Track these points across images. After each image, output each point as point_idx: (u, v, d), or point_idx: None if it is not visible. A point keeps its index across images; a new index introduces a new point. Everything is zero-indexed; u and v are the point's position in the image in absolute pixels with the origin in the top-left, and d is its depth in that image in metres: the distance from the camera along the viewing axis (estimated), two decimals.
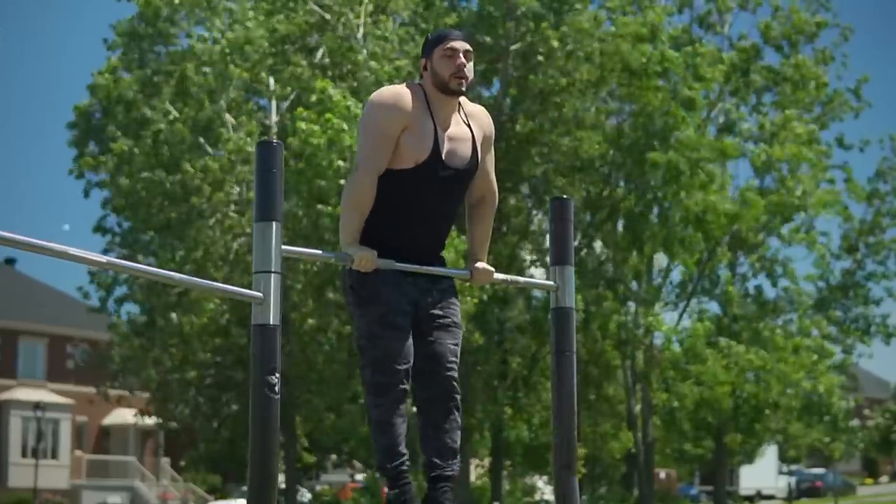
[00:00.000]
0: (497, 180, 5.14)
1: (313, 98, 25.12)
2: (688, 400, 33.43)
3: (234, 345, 31.64)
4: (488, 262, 5.11)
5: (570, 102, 29.49)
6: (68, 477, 47.29)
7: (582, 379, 27.82)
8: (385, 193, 4.76)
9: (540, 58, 29.13)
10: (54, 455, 47.12)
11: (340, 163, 23.79)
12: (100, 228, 33.11)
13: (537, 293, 29.05)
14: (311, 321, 28.46)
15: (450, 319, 4.90)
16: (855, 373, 45.66)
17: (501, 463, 34.91)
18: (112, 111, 31.21)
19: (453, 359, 4.89)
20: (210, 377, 33.96)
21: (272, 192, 4.45)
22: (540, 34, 28.91)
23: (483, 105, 4.93)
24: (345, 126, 23.47)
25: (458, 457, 4.92)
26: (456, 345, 4.91)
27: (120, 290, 33.32)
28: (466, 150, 4.86)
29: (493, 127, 5.06)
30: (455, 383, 4.89)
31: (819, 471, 64.17)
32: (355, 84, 26.97)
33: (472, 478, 38.50)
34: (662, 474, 55.70)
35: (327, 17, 28.80)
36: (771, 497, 61.91)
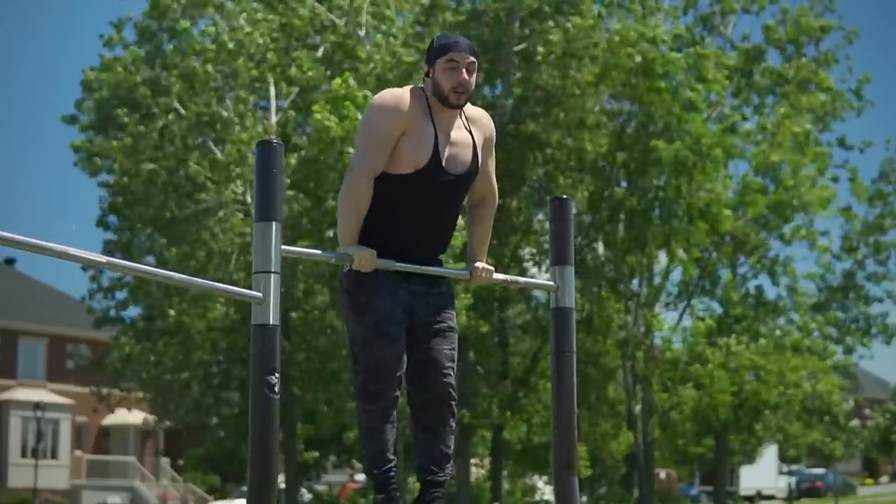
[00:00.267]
0: (498, 180, 5.16)
1: (326, 92, 25.27)
2: (687, 407, 33.47)
3: (234, 345, 31.61)
4: (489, 262, 5.12)
5: (571, 102, 29.48)
6: (68, 477, 47.29)
7: (582, 379, 27.82)
8: (385, 197, 4.77)
9: (540, 56, 29.10)
10: (54, 455, 47.12)
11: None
12: (102, 223, 32.96)
13: (538, 293, 29.04)
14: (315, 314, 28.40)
15: (446, 324, 4.92)
16: (855, 373, 45.66)
17: (501, 463, 34.92)
18: (123, 100, 30.96)
19: (450, 364, 4.90)
20: (214, 377, 33.93)
21: (272, 192, 4.45)
22: (542, 35, 28.90)
23: (484, 106, 4.93)
24: (360, 116, 23.63)
25: (451, 462, 4.94)
26: (452, 349, 4.92)
27: (120, 295, 33.21)
28: (467, 156, 4.87)
29: (494, 130, 5.07)
30: (451, 389, 4.91)
31: (819, 471, 64.18)
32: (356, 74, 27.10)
33: (472, 478, 38.47)
34: (662, 474, 55.70)
35: (331, 15, 28.86)
36: (771, 497, 61.91)
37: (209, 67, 28.93)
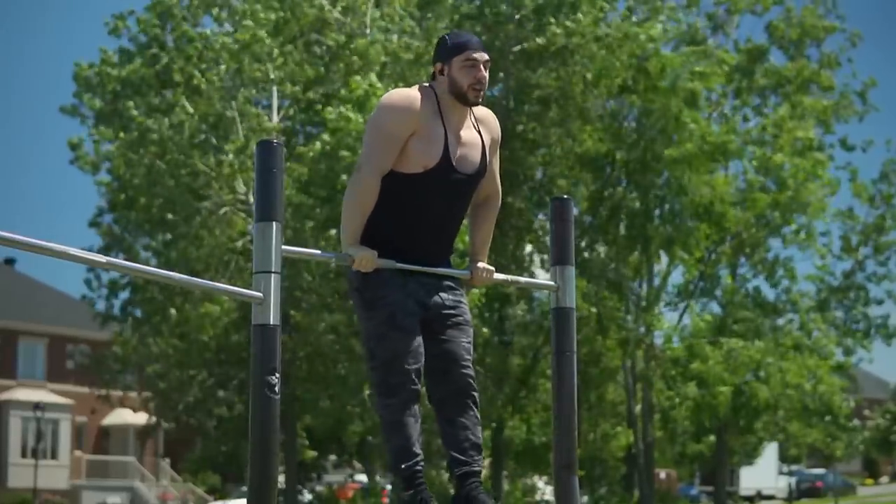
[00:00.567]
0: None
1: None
2: (687, 403, 33.45)
3: (236, 344, 31.61)
4: (490, 262, 5.12)
5: (571, 99, 29.48)
6: (68, 477, 47.30)
7: (582, 379, 27.84)
8: (394, 196, 4.77)
9: (541, 41, 29.05)
10: (54, 455, 47.12)
11: None
12: (95, 224, 32.75)
13: (539, 293, 29.05)
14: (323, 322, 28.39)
15: (462, 317, 4.90)
16: (855, 373, 45.64)
17: (501, 463, 34.91)
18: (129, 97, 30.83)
19: (468, 356, 4.88)
20: (215, 377, 33.94)
21: (272, 192, 4.45)
22: (543, 32, 28.91)
23: (484, 105, 4.94)
24: None
25: (482, 451, 4.89)
26: (469, 342, 4.91)
27: (123, 295, 33.15)
28: (476, 156, 4.88)
29: (500, 130, 5.09)
30: (471, 380, 4.88)
31: (819, 471, 64.20)
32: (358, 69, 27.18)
33: None
34: (662, 474, 55.67)
35: (334, 13, 28.90)
36: (771, 497, 61.90)
37: (219, 68, 28.85)
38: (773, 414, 35.18)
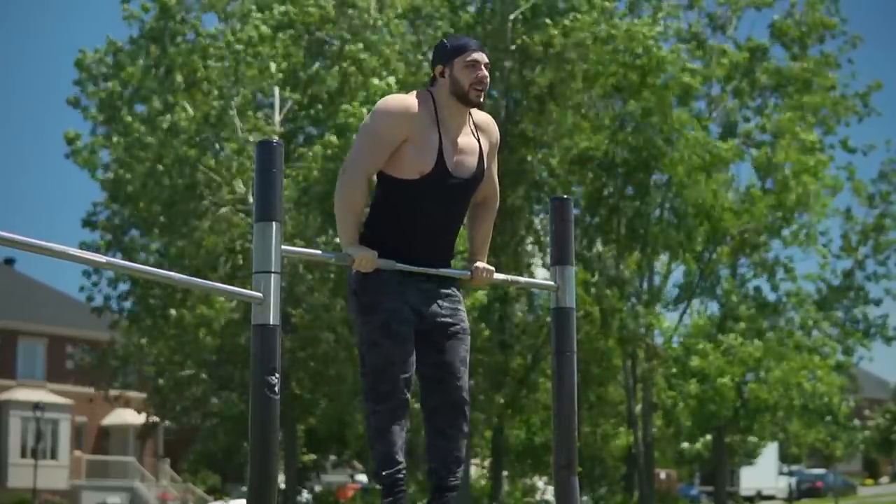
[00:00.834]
0: (498, 180, 5.17)
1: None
2: (690, 400, 33.42)
3: (237, 344, 31.59)
4: (491, 262, 5.12)
5: (568, 98, 29.46)
6: (68, 477, 47.28)
7: (583, 378, 27.84)
8: (392, 201, 4.80)
9: (538, 40, 29.04)
10: (54, 455, 47.10)
11: None
12: (89, 223, 32.58)
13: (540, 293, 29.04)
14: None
15: (459, 326, 4.91)
16: (855, 373, 45.61)
17: (501, 463, 34.91)
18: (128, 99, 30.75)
19: (463, 368, 4.90)
20: (215, 376, 33.93)
21: (272, 192, 4.45)
22: (540, 31, 28.91)
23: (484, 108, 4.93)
24: None
25: (462, 466, 4.92)
26: (466, 351, 4.92)
27: (122, 287, 33.07)
28: (473, 161, 4.89)
29: (498, 134, 5.10)
30: (464, 393, 4.90)
31: (819, 471, 64.16)
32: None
33: (472, 478, 38.48)
34: (662, 474, 55.67)
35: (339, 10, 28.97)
36: (771, 497, 61.88)
37: (219, 63, 28.81)
38: (773, 414, 35.17)
